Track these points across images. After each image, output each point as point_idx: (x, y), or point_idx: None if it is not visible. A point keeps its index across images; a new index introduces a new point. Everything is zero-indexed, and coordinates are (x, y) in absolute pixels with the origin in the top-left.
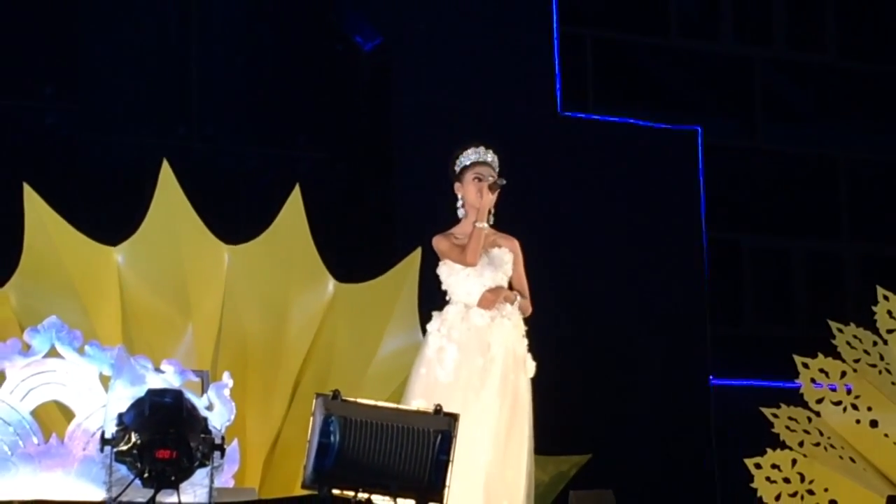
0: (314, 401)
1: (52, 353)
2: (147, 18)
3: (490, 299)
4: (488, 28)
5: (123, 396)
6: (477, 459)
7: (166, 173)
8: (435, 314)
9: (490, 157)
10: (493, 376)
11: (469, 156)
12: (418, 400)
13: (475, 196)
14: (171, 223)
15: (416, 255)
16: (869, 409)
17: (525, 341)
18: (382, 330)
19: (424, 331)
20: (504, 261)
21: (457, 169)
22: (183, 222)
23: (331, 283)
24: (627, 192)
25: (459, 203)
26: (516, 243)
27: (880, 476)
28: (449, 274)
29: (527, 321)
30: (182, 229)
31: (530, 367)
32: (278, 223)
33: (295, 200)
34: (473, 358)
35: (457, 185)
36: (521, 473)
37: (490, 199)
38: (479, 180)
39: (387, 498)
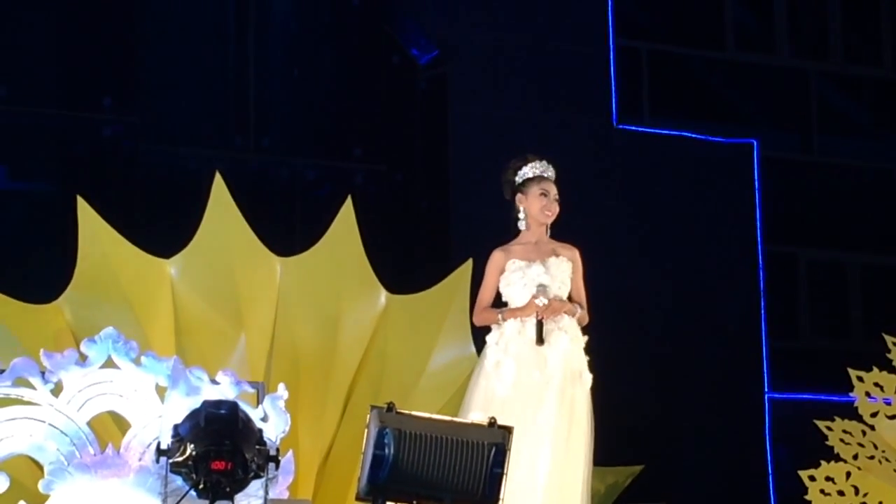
0: (369, 413)
1: (109, 363)
2: (204, 30)
3: (557, 308)
4: (544, 40)
5: (179, 407)
6: (536, 475)
7: (219, 185)
8: (494, 327)
9: (552, 171)
10: (551, 391)
11: (534, 167)
12: (475, 412)
13: (539, 210)
14: (223, 235)
15: (467, 266)
16: None
17: (584, 356)
18: (434, 341)
19: (476, 342)
20: (561, 269)
21: (518, 180)
22: (235, 234)
23: (383, 294)
24: (683, 205)
25: (522, 215)
26: (576, 252)
27: None
28: (506, 284)
29: (583, 332)
30: (234, 241)
31: (586, 379)
32: (330, 235)
33: (347, 212)
34: (531, 372)
35: (519, 196)
36: (578, 486)
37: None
38: (545, 195)
39: None
